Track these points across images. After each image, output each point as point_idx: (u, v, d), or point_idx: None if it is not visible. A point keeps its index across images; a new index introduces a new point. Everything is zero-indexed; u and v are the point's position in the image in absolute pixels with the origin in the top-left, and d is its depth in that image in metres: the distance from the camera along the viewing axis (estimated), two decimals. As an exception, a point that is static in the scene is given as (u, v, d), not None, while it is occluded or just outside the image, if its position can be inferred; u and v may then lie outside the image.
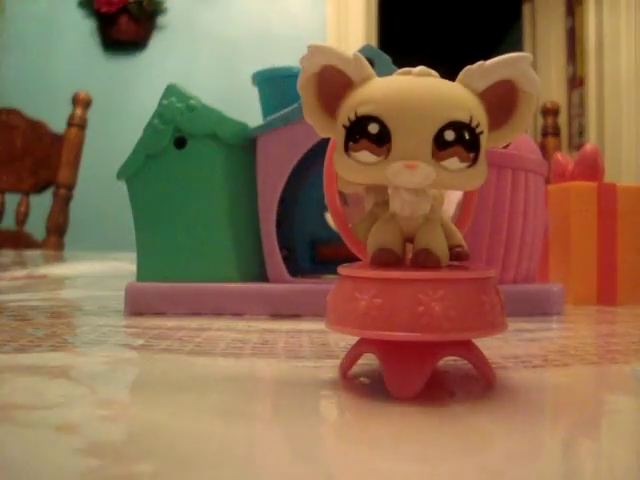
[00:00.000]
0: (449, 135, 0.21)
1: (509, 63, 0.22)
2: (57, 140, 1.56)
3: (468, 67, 0.22)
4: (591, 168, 0.54)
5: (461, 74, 0.22)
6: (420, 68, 0.22)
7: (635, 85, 2.32)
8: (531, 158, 0.45)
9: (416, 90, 0.21)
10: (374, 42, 2.48)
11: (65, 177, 1.55)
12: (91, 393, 0.24)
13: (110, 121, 2.26)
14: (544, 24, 3.21)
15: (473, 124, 0.21)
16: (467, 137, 0.21)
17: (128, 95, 2.34)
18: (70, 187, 1.56)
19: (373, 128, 0.21)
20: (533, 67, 0.22)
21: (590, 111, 2.47)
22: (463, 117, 0.21)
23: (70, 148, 1.55)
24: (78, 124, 1.57)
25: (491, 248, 0.43)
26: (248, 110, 0.56)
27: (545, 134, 1.46)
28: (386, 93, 0.21)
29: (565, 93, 3.10)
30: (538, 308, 0.45)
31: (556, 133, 1.46)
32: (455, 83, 0.22)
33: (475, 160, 0.21)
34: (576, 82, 2.92)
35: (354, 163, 0.21)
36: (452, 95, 0.21)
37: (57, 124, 1.59)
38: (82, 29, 2.39)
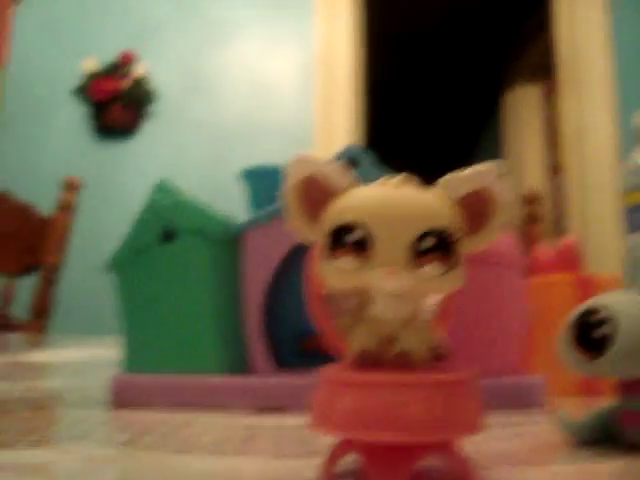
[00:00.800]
0: (427, 242, 0.22)
1: (484, 172, 0.23)
2: (45, 223, 1.57)
3: (445, 177, 0.23)
4: (570, 260, 0.56)
5: (439, 182, 0.23)
6: (399, 178, 0.23)
7: (612, 170, 2.38)
8: (511, 253, 0.46)
9: (395, 200, 0.22)
10: (360, 133, 2.55)
11: (51, 260, 1.55)
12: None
13: (99, 205, 2.28)
14: (523, 113, 3.32)
15: (450, 232, 0.22)
16: (444, 244, 0.22)
17: (118, 180, 2.38)
18: (56, 270, 1.56)
19: (355, 235, 0.22)
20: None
21: (572, 198, 2.53)
22: (440, 225, 0.22)
23: (58, 231, 1.57)
24: (67, 208, 1.58)
25: (474, 342, 0.44)
26: (237, 198, 0.57)
27: (527, 222, 1.49)
28: (367, 203, 0.22)
29: (545, 181, 3.18)
30: (521, 401, 0.45)
31: (538, 220, 1.49)
32: (433, 191, 0.23)
33: (452, 266, 0.22)
34: (556, 170, 3.00)
35: (336, 269, 0.22)
36: (430, 204, 0.23)
37: (47, 207, 1.61)
38: (75, 115, 2.44)
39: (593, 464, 0.29)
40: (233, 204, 0.71)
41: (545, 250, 0.59)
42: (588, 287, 0.55)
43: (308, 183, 0.23)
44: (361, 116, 2.58)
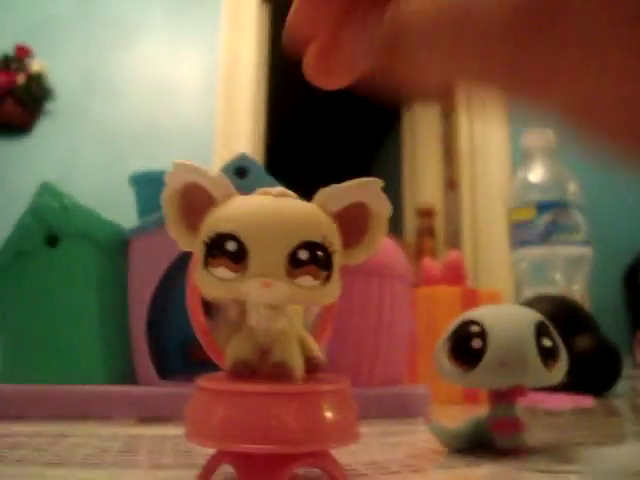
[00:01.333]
0: (303, 254, 0.22)
1: (361, 187, 0.24)
2: None
3: (323, 189, 0.24)
4: (455, 273, 0.58)
5: (317, 195, 0.24)
6: (278, 189, 0.23)
7: (503, 187, 2.49)
8: (397, 265, 0.47)
9: (273, 211, 0.22)
10: (261, 141, 2.55)
11: None
12: None
13: (-14, 205, 2.17)
14: (422, 129, 3.42)
15: (326, 244, 0.23)
16: (320, 256, 0.22)
17: (8, 179, 2.27)
18: None
19: (231, 246, 0.22)
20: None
21: (464, 212, 2.63)
22: (316, 237, 0.22)
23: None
24: (-50, 207, 1.50)
25: (358, 352, 0.45)
26: (132, 201, 0.56)
27: (421, 235, 1.53)
28: (244, 212, 0.22)
29: (442, 195, 3.28)
30: (405, 410, 0.46)
31: (431, 234, 1.54)
32: (311, 204, 0.24)
33: (328, 278, 0.23)
34: (452, 184, 3.11)
35: (212, 278, 0.22)
36: (307, 216, 0.23)
37: None
38: (-37, 109, 2.32)
39: (467, 469, 0.30)
40: (128, 209, 0.70)
41: (432, 263, 0.61)
42: (473, 300, 0.57)
43: (187, 191, 0.23)
44: (262, 124, 2.59)
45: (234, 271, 0.22)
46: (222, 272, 0.22)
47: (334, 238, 0.23)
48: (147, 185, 0.51)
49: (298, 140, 4.54)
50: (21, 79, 2.29)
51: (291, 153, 4.44)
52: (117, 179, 2.16)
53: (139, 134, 2.36)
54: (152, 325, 0.46)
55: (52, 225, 0.44)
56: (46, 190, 0.45)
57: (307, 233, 0.22)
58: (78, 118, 2.36)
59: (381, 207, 0.24)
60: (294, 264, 0.22)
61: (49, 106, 2.37)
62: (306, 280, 0.22)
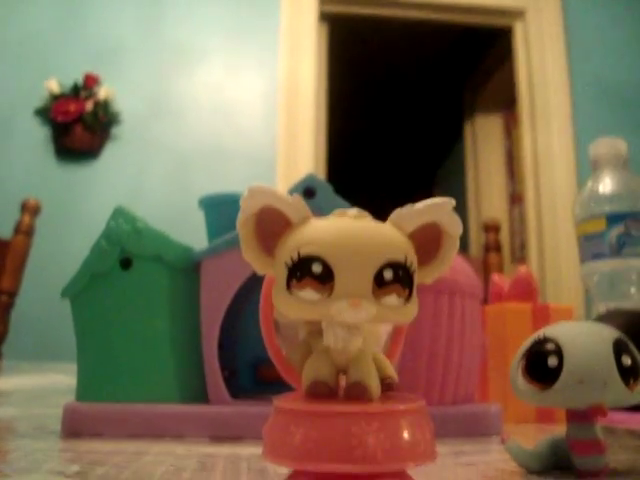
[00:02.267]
0: (388, 274, 0.22)
1: (434, 207, 0.24)
2: (2, 246, 1.55)
3: (398, 210, 0.24)
4: (525, 290, 0.57)
5: (392, 216, 0.24)
6: (355, 210, 0.24)
7: (569, 200, 2.44)
8: (467, 282, 0.47)
9: (355, 232, 0.23)
10: (323, 161, 2.57)
11: (8, 284, 1.52)
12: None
13: (58, 229, 2.25)
14: (484, 144, 3.39)
15: (408, 263, 0.23)
16: (403, 275, 0.23)
17: (78, 204, 2.35)
18: (12, 294, 1.53)
19: (317, 268, 0.22)
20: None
21: (530, 226, 2.58)
22: (399, 257, 0.23)
23: (15, 255, 1.54)
24: (25, 231, 1.56)
25: (429, 371, 0.45)
26: (198, 223, 0.57)
27: (487, 250, 1.51)
28: (328, 235, 0.23)
29: (506, 209, 3.24)
30: (477, 428, 0.45)
31: (497, 248, 1.52)
32: (387, 224, 0.24)
33: (409, 296, 0.23)
34: (516, 199, 3.06)
35: (296, 300, 0.22)
36: (388, 236, 0.23)
37: (4, 229, 1.58)
38: (37, 136, 2.41)
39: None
40: (195, 229, 0.71)
41: (501, 279, 0.60)
42: (544, 316, 0.56)
43: (262, 215, 0.24)
44: (324, 144, 2.61)
45: (320, 292, 0.22)
46: (308, 294, 0.22)
47: (413, 257, 0.23)
48: (216, 208, 0.52)
49: (360, 158, 4.55)
50: (89, 106, 2.38)
51: (354, 171, 4.46)
52: (182, 200, 2.23)
53: (203, 156, 2.41)
54: (223, 345, 0.46)
55: (125, 248, 0.45)
56: (119, 214, 0.46)
57: (391, 253, 0.22)
58: (144, 142, 2.43)
59: (453, 227, 0.24)
60: (379, 284, 0.22)
61: (116, 131, 2.45)
62: (391, 299, 0.22)
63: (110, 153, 2.43)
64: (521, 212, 2.90)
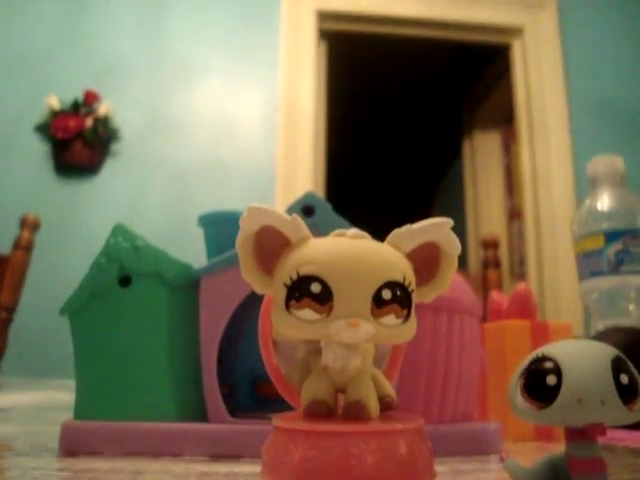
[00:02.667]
0: (386, 294, 0.22)
1: (433, 227, 0.24)
2: (1, 262, 1.54)
3: (396, 230, 0.24)
4: (524, 307, 0.57)
5: (390, 236, 0.24)
6: (354, 231, 0.24)
7: (568, 215, 2.45)
8: (465, 300, 0.47)
9: (354, 252, 0.23)
10: (322, 177, 2.58)
11: (7, 300, 1.52)
12: None
13: (58, 245, 2.25)
14: (483, 160, 3.40)
15: (406, 283, 0.23)
16: (402, 295, 0.23)
17: (78, 219, 2.35)
18: (11, 310, 1.53)
19: (316, 287, 0.22)
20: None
21: (529, 242, 2.58)
22: (398, 277, 0.23)
23: (14, 271, 1.54)
24: (24, 246, 1.56)
25: (428, 389, 0.44)
26: (198, 238, 0.57)
27: (486, 266, 1.51)
28: (326, 254, 0.23)
29: (505, 225, 3.24)
30: (476, 447, 0.45)
31: (497, 264, 1.52)
32: (385, 244, 0.24)
33: (408, 316, 0.23)
34: (514, 215, 3.06)
35: (295, 320, 0.23)
36: (387, 256, 0.23)
37: (3, 245, 1.58)
38: (36, 152, 2.42)
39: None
40: (195, 245, 0.71)
41: (500, 296, 0.60)
42: (542, 333, 0.56)
43: (262, 234, 0.24)
44: (323, 160, 2.62)
45: (319, 312, 0.22)
46: (307, 314, 0.22)
47: (412, 277, 0.23)
48: (215, 225, 0.52)
49: (359, 175, 4.56)
50: (89, 122, 2.38)
51: (352, 187, 4.47)
52: (182, 216, 2.24)
53: (203, 172, 2.42)
54: (222, 361, 0.46)
55: (124, 265, 0.45)
56: (119, 231, 0.46)
57: (390, 273, 0.23)
58: (144, 158, 2.44)
59: (452, 246, 0.24)
60: (378, 303, 0.22)
61: (116, 147, 2.46)
62: (390, 319, 0.23)
63: (110, 169, 2.44)
64: (520, 228, 2.90)
